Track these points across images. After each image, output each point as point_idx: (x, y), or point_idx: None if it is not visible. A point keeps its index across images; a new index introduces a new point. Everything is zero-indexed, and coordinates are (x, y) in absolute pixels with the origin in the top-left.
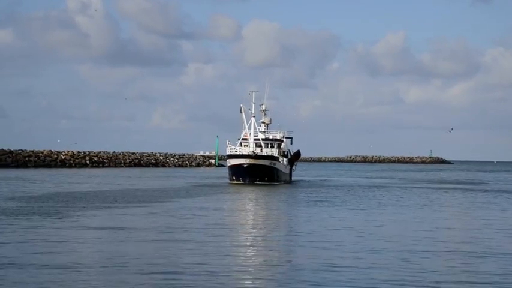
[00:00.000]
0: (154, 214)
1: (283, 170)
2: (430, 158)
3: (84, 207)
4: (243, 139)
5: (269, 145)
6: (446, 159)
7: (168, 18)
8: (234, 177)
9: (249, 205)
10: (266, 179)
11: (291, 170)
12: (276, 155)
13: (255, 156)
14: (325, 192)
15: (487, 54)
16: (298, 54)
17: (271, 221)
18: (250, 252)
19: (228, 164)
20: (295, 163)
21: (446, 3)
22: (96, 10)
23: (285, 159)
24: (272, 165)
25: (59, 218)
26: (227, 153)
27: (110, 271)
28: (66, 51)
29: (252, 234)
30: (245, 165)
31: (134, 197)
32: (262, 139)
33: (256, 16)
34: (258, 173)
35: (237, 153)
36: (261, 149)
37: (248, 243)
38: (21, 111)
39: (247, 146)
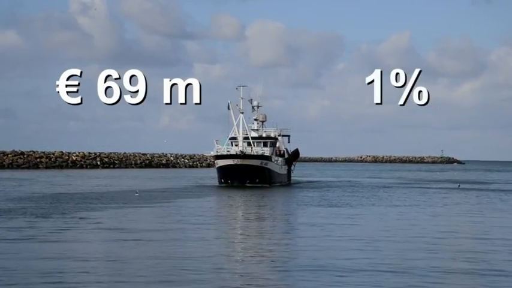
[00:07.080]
0: (148, 215)
1: (277, 171)
2: (441, 157)
3: (63, 210)
4: (232, 138)
5: (262, 144)
6: (458, 159)
7: (170, 18)
8: (222, 180)
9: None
10: (257, 180)
11: (289, 170)
12: (268, 154)
13: (244, 155)
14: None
15: (492, 53)
16: (303, 54)
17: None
18: (244, 255)
19: (216, 166)
20: (293, 163)
21: (449, 2)
22: (95, 9)
23: (280, 158)
24: (263, 165)
25: (48, 219)
26: (214, 154)
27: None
28: (70, 53)
29: (243, 233)
30: (233, 166)
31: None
32: (254, 137)
33: (259, 16)
34: (247, 174)
35: (224, 153)
36: (251, 148)
37: (240, 241)
38: (29, 112)
39: (237, 145)
